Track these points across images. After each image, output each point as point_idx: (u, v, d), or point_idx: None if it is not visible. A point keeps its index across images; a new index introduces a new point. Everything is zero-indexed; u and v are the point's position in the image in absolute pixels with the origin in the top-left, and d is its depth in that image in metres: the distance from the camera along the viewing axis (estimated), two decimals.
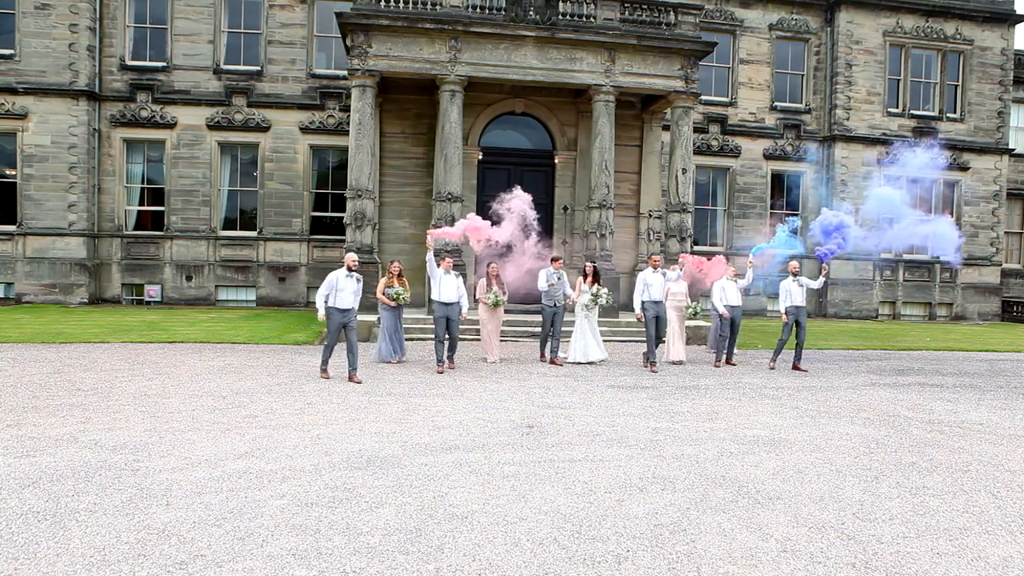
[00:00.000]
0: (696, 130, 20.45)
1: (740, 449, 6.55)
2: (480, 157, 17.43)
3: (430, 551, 4.08)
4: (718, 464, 6.03)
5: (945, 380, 11.47)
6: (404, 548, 4.11)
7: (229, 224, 20.88)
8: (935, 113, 24.03)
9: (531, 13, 15.62)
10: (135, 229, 20.51)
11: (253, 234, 20.67)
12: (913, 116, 23.74)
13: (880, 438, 7.18)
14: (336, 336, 9.61)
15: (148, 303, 20.10)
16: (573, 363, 11.67)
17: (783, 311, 12.00)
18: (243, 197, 20.94)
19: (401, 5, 15.36)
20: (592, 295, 11.78)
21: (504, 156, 17.64)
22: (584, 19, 16.02)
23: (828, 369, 12.11)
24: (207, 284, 20.44)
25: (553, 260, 12.02)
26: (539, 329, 12.74)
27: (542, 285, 11.84)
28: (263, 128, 20.47)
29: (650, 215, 17.81)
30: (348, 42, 15.53)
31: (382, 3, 15.28)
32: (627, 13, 16.33)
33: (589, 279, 11.88)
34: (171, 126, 20.16)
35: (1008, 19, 24.15)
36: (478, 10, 15.65)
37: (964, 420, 8.25)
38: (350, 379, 9.40)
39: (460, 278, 10.88)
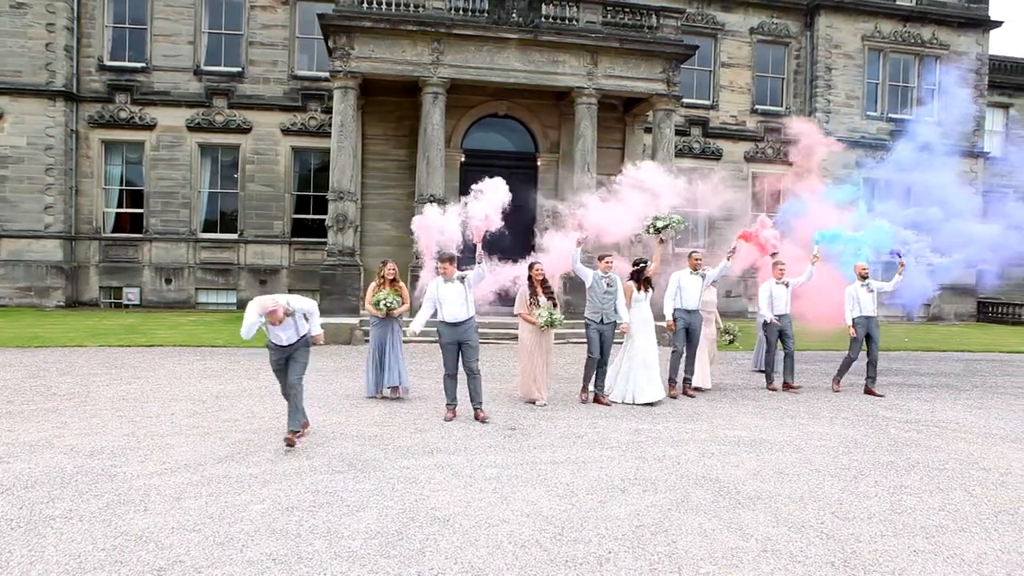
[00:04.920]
0: (678, 132, 20.53)
1: (721, 450, 6.59)
2: (463, 159, 17.43)
3: (411, 554, 4.06)
4: (699, 465, 6.06)
5: (922, 380, 11.62)
6: (386, 552, 4.09)
7: (209, 226, 20.70)
8: (912, 116, 24.33)
9: (514, 15, 15.65)
10: (113, 231, 20.27)
11: (234, 236, 20.49)
12: (891, 119, 24.05)
13: (859, 438, 7.26)
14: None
15: (127, 306, 19.86)
16: (618, 403, 8.66)
17: (851, 323, 9.87)
18: (223, 199, 20.76)
19: (383, 7, 15.33)
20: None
21: (487, 158, 17.61)
22: (567, 22, 16.08)
23: (807, 370, 12.21)
24: (187, 287, 20.24)
25: (601, 259, 8.72)
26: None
27: (589, 286, 8.65)
28: (244, 130, 20.31)
29: None
30: (330, 44, 15.47)
31: (364, 5, 15.24)
32: (609, 16, 16.44)
33: (637, 284, 9.00)
34: (151, 127, 19.96)
35: (983, 24, 24.58)
36: (461, 12, 15.66)
37: (941, 419, 8.37)
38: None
39: (468, 286, 7.69)
